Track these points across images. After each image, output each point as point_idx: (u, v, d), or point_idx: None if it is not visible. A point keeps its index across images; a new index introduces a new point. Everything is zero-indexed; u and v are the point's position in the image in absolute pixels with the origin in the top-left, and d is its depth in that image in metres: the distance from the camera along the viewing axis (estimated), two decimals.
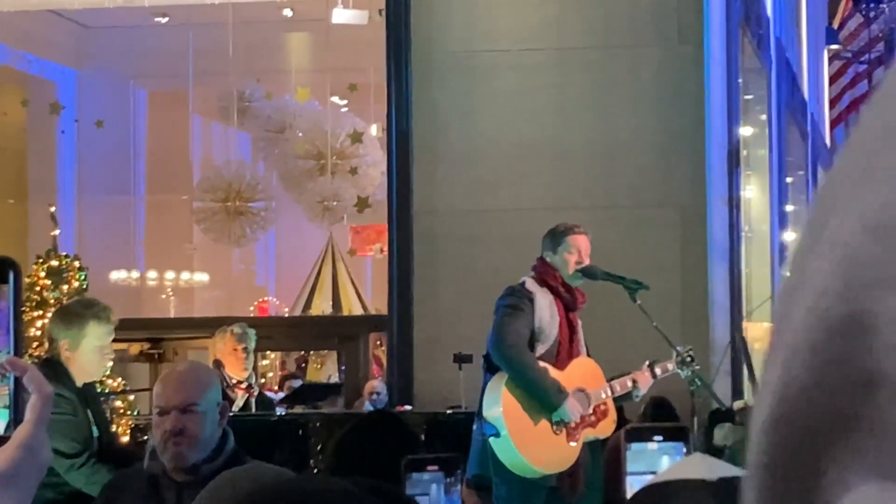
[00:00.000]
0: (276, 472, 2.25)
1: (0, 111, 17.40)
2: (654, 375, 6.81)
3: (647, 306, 6.97)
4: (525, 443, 6.41)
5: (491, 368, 6.59)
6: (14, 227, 18.86)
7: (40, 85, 18.56)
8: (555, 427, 6.51)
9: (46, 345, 6.04)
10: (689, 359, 6.88)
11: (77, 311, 5.73)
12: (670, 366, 6.86)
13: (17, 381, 1.49)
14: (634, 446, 2.25)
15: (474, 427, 6.62)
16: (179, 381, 4.24)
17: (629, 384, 6.75)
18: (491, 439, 6.38)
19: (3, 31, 16.70)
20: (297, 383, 14.32)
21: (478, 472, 6.41)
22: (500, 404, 6.42)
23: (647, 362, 6.83)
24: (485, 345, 6.78)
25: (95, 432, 5.56)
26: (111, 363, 6.04)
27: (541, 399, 6.49)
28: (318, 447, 9.40)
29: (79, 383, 5.58)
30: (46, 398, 1.49)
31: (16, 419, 1.50)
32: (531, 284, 6.67)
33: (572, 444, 6.58)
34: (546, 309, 6.61)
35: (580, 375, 6.62)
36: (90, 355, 5.58)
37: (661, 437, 2.28)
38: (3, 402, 1.51)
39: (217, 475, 3.95)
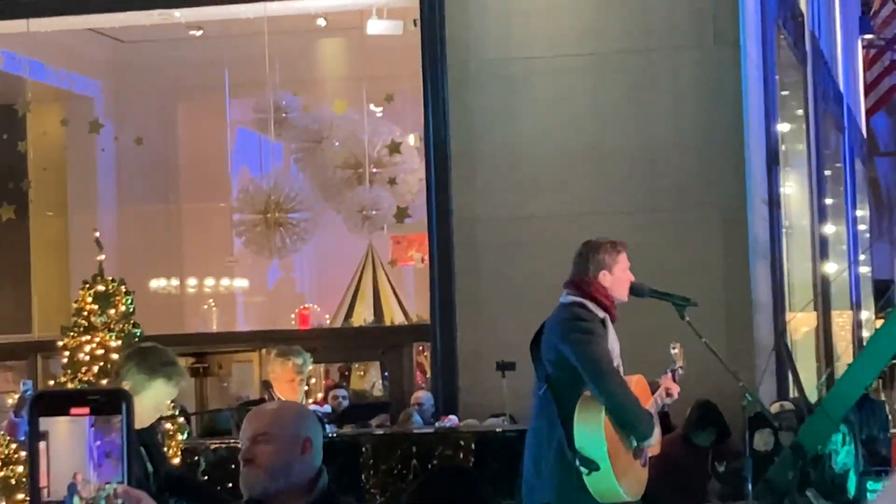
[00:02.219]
0: None
1: (40, 131, 17.49)
2: (674, 379, 6.75)
3: (690, 310, 6.94)
4: (622, 473, 6.30)
5: (560, 398, 6.40)
6: (55, 240, 18.97)
7: (79, 101, 18.65)
8: (634, 452, 6.46)
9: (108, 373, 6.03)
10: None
11: (152, 363, 5.69)
12: (680, 368, 6.79)
13: None
14: None
15: (555, 454, 6.39)
16: (256, 412, 4.35)
17: (665, 395, 6.70)
18: (589, 473, 6.22)
19: (40, 50, 16.80)
20: (341, 393, 14.35)
21: (559, 500, 6.33)
22: (603, 439, 6.27)
23: (668, 369, 6.77)
24: (527, 351, 6.71)
25: (150, 468, 5.56)
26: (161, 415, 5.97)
27: (637, 427, 6.38)
28: (370, 463, 9.46)
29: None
30: None
31: None
32: (594, 307, 6.50)
33: (644, 466, 6.56)
34: (612, 330, 6.57)
35: (640, 395, 6.57)
36: (145, 407, 5.55)
37: None
38: None
39: None
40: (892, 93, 28.04)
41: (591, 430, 6.28)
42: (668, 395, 6.66)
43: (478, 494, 3.80)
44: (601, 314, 6.49)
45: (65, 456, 1.53)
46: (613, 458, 6.27)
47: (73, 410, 1.55)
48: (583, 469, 6.24)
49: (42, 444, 1.52)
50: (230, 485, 8.45)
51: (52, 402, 1.55)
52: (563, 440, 6.30)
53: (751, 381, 11.05)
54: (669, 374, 6.72)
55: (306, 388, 13.08)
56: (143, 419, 5.63)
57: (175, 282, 20.06)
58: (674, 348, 6.77)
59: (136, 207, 19.51)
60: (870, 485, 8.16)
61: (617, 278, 6.60)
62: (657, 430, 6.53)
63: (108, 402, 1.55)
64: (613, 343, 6.52)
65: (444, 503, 3.75)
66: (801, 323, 17.96)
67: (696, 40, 12.66)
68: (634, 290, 6.86)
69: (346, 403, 13.71)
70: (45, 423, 1.53)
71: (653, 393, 6.65)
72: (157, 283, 19.67)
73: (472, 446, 9.42)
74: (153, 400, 5.60)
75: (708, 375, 10.18)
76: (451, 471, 4.37)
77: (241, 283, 20.71)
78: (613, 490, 6.29)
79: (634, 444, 6.45)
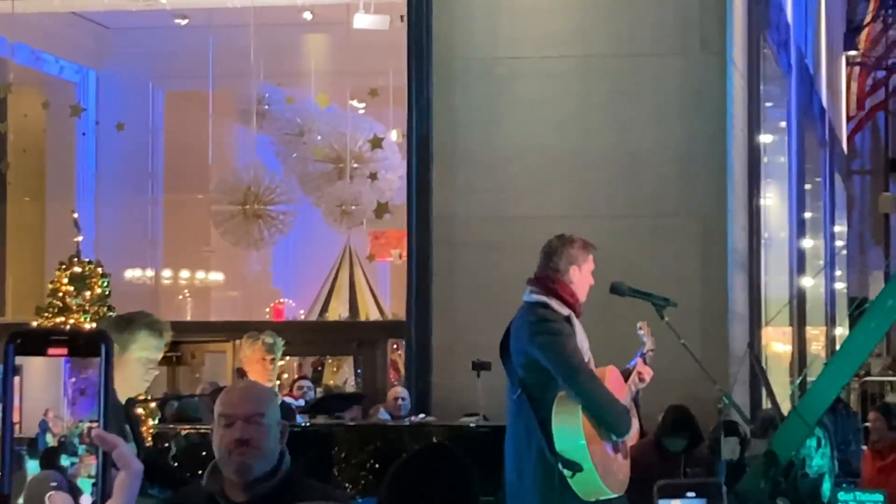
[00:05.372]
0: None
1: (20, 112, 17.41)
2: (645, 362, 6.67)
3: (668, 313, 6.90)
4: (605, 471, 6.24)
5: (535, 401, 6.28)
6: (32, 225, 18.89)
7: (60, 86, 18.58)
8: (612, 447, 6.38)
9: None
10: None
11: (131, 318, 5.59)
12: (651, 351, 6.70)
13: (106, 455, 1.48)
14: (663, 503, 2.27)
15: (535, 457, 6.31)
16: (244, 392, 4.25)
17: (637, 381, 6.61)
18: (573, 475, 6.14)
19: (23, 33, 16.71)
20: (306, 384, 14.29)
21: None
22: (583, 439, 6.20)
23: (639, 353, 6.67)
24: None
25: (134, 449, 5.44)
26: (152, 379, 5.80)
27: (614, 423, 6.29)
28: (343, 456, 9.41)
29: (121, 398, 5.37)
30: (135, 474, 1.47)
31: (103, 493, 1.48)
32: (558, 306, 6.40)
33: (626, 458, 6.48)
34: (579, 328, 6.49)
35: (614, 386, 6.50)
36: (135, 365, 5.42)
37: (693, 494, 2.30)
38: (88, 471, 1.49)
39: (273, 496, 3.94)
40: (874, 112, 28.17)
41: (571, 431, 6.20)
42: (641, 379, 6.57)
43: (461, 474, 3.74)
44: (565, 312, 6.39)
45: (38, 392, 1.49)
46: (595, 457, 6.21)
47: (50, 351, 1.50)
48: (566, 472, 6.15)
49: (16, 380, 1.48)
50: (200, 472, 8.35)
51: (29, 342, 1.50)
52: (543, 444, 6.23)
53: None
54: (640, 358, 6.63)
55: (279, 382, 13.02)
56: (135, 380, 5.46)
57: (150, 272, 20.00)
58: (640, 329, 6.68)
59: (115, 196, 19.43)
60: (841, 495, 8.13)
61: (584, 277, 6.53)
62: (635, 422, 6.48)
63: (86, 344, 1.50)
64: (582, 340, 6.43)
65: (427, 482, 3.69)
66: (776, 338, 17.98)
67: (682, 47, 12.65)
68: (615, 289, 6.81)
69: (311, 394, 13.66)
70: (19, 360, 1.49)
71: (625, 380, 6.58)
72: (132, 273, 19.60)
73: (446, 442, 9.39)
74: (141, 355, 5.43)
75: (682, 382, 10.17)
76: (435, 450, 4.30)
77: (217, 276, 20.66)
78: (599, 489, 6.23)
79: (613, 437, 6.38)
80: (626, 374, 6.59)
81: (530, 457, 6.29)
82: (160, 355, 5.56)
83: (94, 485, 1.49)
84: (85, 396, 1.46)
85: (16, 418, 1.45)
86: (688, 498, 2.27)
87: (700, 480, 2.29)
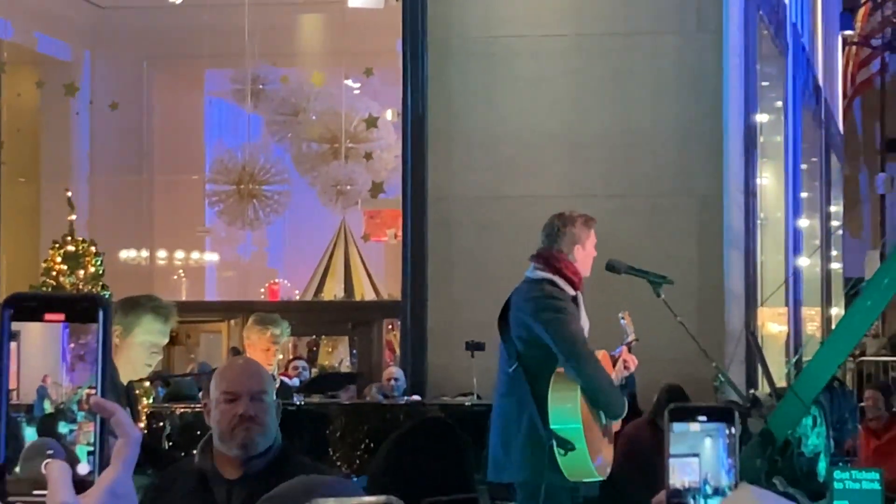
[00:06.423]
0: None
1: (14, 92, 17.37)
2: (629, 351, 6.64)
3: (662, 293, 6.87)
4: (595, 452, 6.23)
5: (532, 376, 6.25)
6: (26, 206, 18.85)
7: (54, 65, 18.53)
8: (602, 431, 6.36)
9: None
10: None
11: (138, 301, 5.53)
12: (634, 340, 6.66)
13: (104, 422, 1.46)
14: (677, 426, 2.19)
15: (524, 433, 6.26)
16: (248, 369, 4.28)
17: (623, 369, 6.58)
18: (565, 454, 6.12)
19: (17, 11, 16.66)
20: (301, 364, 14.29)
21: (529, 478, 6.25)
22: (579, 418, 6.18)
23: (624, 342, 6.64)
24: (497, 332, 6.61)
25: None
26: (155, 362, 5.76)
27: (612, 406, 6.29)
28: (338, 436, 9.42)
29: (123, 379, 5.36)
30: (133, 441, 1.45)
31: (101, 461, 1.46)
32: (564, 284, 6.39)
33: (611, 443, 6.48)
34: (583, 310, 6.47)
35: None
36: (138, 349, 5.37)
37: (704, 418, 2.21)
38: (87, 438, 1.46)
39: (266, 473, 3.94)
40: (862, 88, 28.22)
41: (568, 410, 6.18)
42: (626, 368, 6.55)
43: (456, 447, 3.74)
44: (572, 292, 6.38)
45: (35, 358, 1.46)
46: (589, 437, 6.19)
47: (48, 316, 1.47)
48: (559, 450, 6.14)
49: (12, 345, 1.45)
50: (195, 451, 8.33)
51: (26, 307, 1.48)
52: (535, 419, 6.19)
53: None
54: (625, 347, 6.60)
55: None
56: (138, 363, 5.42)
57: (145, 253, 19.99)
58: (623, 318, 6.65)
59: (109, 176, 19.40)
60: (837, 474, 8.12)
61: (588, 253, 6.52)
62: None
63: (84, 310, 1.48)
64: (584, 321, 6.43)
65: (422, 454, 3.69)
66: (772, 317, 17.97)
67: (679, 26, 12.62)
68: (611, 267, 6.79)
69: (305, 374, 13.66)
70: (16, 325, 1.46)
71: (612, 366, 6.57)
72: (126, 254, 19.58)
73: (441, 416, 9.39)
74: (145, 338, 5.38)
75: (678, 361, 10.17)
76: (430, 423, 4.29)
77: (212, 256, 20.65)
78: (587, 470, 6.21)
79: (604, 421, 6.37)
80: (613, 362, 6.57)
81: (519, 432, 6.27)
82: (165, 340, 5.52)
83: (90, 453, 1.46)
84: (83, 363, 1.43)
85: (13, 384, 1.43)
86: (700, 421, 2.19)
87: (712, 405, 2.24)
